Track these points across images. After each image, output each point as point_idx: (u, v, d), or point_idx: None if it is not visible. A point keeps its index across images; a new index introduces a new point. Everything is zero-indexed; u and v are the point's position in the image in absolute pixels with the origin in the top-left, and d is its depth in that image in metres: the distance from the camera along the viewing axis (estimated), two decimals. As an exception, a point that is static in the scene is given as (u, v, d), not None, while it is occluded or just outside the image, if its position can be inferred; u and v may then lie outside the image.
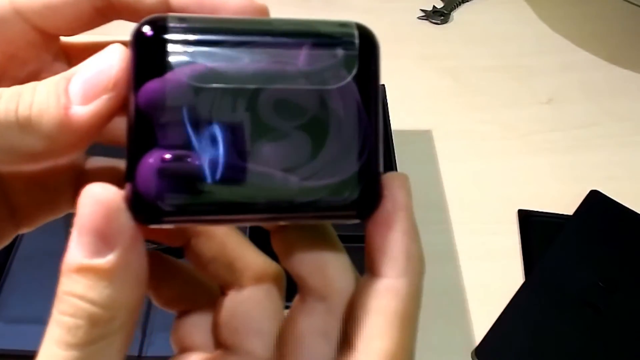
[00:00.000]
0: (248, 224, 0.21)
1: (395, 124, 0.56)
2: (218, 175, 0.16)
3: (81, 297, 0.15)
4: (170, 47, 0.17)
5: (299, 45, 0.17)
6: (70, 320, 0.16)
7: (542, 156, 0.62)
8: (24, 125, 0.16)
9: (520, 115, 0.66)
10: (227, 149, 0.17)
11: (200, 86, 0.16)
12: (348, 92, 0.17)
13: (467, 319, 0.49)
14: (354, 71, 0.18)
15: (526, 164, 0.61)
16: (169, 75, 0.16)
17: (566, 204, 0.56)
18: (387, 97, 0.58)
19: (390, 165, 0.52)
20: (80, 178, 0.22)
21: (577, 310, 0.48)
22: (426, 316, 0.49)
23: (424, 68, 0.72)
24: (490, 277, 0.52)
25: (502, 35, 0.77)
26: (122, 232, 0.16)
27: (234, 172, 0.17)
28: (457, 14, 0.80)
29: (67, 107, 0.16)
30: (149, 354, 0.43)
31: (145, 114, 0.16)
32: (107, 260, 0.16)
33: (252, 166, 0.17)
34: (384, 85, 0.59)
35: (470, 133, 0.64)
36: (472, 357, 0.46)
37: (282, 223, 0.20)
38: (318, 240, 0.20)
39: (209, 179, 0.16)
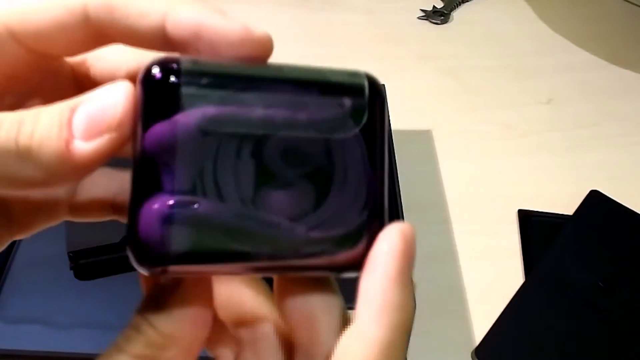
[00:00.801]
0: (254, 275, 0.21)
1: (395, 124, 0.56)
2: (223, 222, 0.16)
3: (145, 319, 0.17)
4: (179, 91, 0.16)
5: (308, 94, 0.17)
6: (130, 331, 0.17)
7: (542, 156, 0.62)
8: (24, 155, 0.16)
9: (520, 115, 0.66)
10: (233, 196, 0.16)
11: (209, 131, 0.16)
12: (355, 143, 0.17)
13: (467, 319, 0.49)
14: (362, 123, 0.17)
15: (526, 164, 0.61)
16: (177, 119, 0.16)
17: (566, 204, 0.56)
18: (387, 97, 0.58)
19: (391, 165, 0.52)
20: (76, 188, 0.22)
21: (577, 310, 0.48)
22: (426, 316, 0.49)
23: (424, 68, 0.72)
24: (490, 277, 0.52)
25: (502, 35, 0.77)
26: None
27: (240, 219, 0.16)
28: (457, 14, 0.80)
29: (68, 141, 0.16)
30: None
31: (152, 157, 0.16)
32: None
33: (258, 214, 0.16)
34: (383, 85, 0.59)
35: (470, 133, 0.64)
36: (472, 357, 0.46)
37: (285, 275, 0.19)
38: (313, 290, 0.19)
39: (213, 227, 0.16)
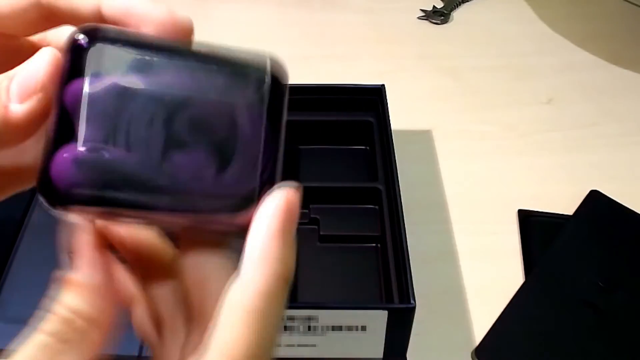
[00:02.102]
0: (149, 224, 0.23)
1: (395, 124, 0.56)
2: (124, 173, 0.18)
3: (56, 300, 0.20)
4: (97, 55, 0.19)
5: (214, 68, 0.19)
6: (43, 313, 0.19)
7: (542, 156, 0.62)
8: None
9: (520, 115, 0.66)
10: (137, 151, 0.18)
11: (121, 93, 0.18)
12: (256, 115, 0.19)
13: (467, 319, 0.49)
14: (263, 97, 0.19)
15: (526, 164, 0.61)
16: (93, 80, 0.18)
17: (566, 204, 0.56)
18: (387, 97, 0.58)
19: (391, 165, 0.52)
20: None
21: (577, 310, 0.48)
22: (426, 316, 0.49)
23: (424, 68, 0.72)
24: (490, 277, 0.52)
25: (502, 35, 0.77)
26: (83, 251, 0.20)
27: (142, 173, 0.18)
28: (457, 14, 0.80)
29: (6, 105, 0.19)
30: (149, 354, 0.43)
31: (67, 111, 0.18)
32: (73, 274, 0.20)
33: (158, 171, 0.18)
34: (383, 85, 0.59)
35: (470, 133, 0.64)
36: (472, 357, 0.46)
37: (182, 226, 0.21)
38: (210, 251, 0.21)
39: (117, 174, 0.18)
